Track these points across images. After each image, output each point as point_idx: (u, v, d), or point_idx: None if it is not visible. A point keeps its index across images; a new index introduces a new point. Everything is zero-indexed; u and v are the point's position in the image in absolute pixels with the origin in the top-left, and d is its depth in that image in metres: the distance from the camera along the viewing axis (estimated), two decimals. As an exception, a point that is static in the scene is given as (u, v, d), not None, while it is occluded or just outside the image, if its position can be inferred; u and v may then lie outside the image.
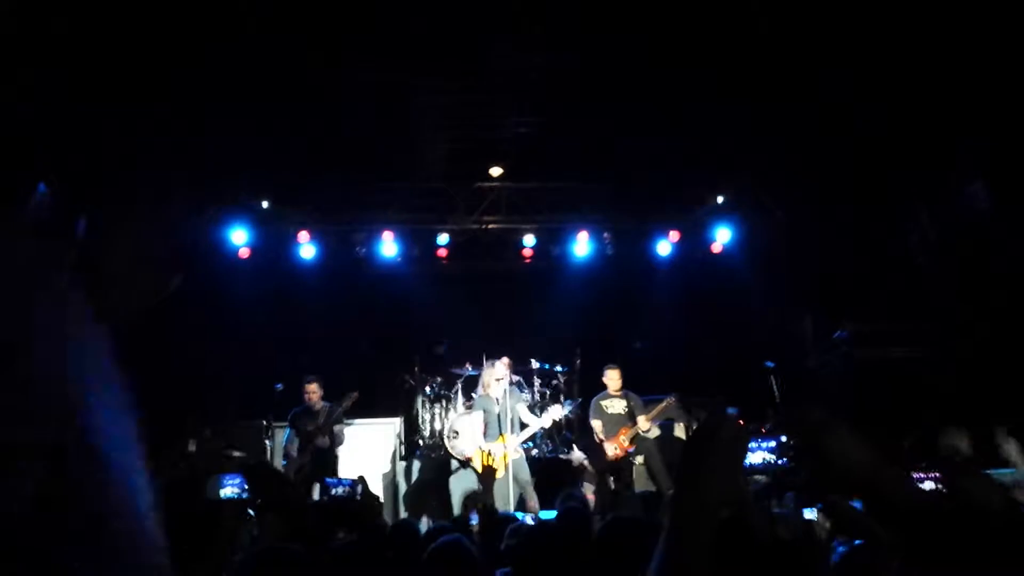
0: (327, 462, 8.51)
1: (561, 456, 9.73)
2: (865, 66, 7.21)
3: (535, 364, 10.54)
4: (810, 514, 4.39)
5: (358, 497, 4.80)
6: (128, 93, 6.95)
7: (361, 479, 5.43)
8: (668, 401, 9.05)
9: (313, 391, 8.75)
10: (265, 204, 10.72)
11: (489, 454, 8.14)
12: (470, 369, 10.35)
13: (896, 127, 7.81)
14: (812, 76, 7.50)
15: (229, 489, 3.93)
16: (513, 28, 7.17)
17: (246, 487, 3.50)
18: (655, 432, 9.26)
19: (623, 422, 8.99)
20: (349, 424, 9.02)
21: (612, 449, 8.87)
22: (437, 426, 10.34)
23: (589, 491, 8.84)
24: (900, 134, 7.88)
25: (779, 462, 1.59)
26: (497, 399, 8.53)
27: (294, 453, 8.61)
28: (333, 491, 4.91)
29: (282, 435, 9.70)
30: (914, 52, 6.87)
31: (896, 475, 1.56)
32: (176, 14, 6.25)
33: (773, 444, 1.59)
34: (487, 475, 8.01)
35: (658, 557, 1.41)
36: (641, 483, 9.17)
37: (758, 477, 5.03)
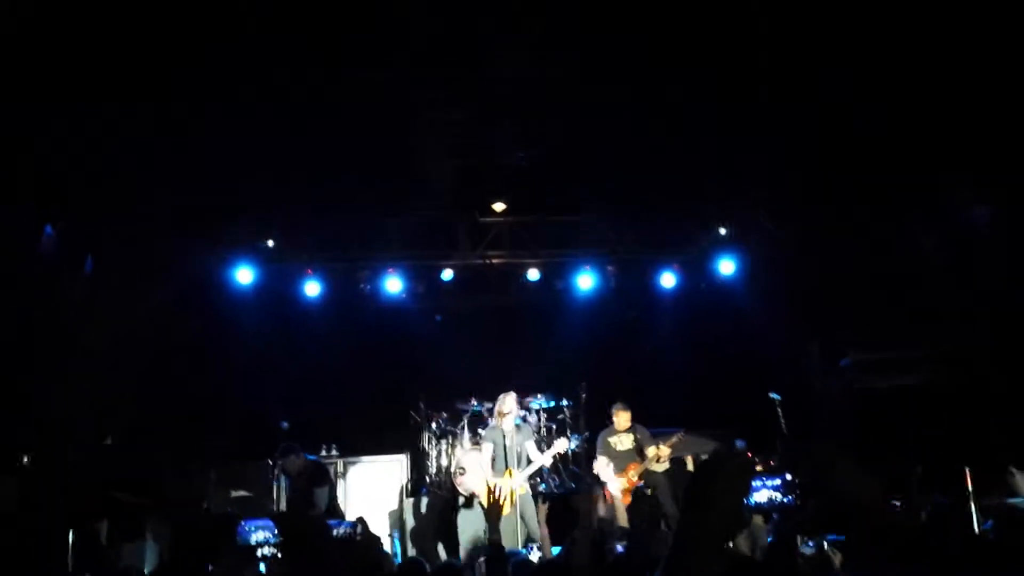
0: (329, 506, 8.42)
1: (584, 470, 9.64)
2: (865, 84, 7.24)
3: (540, 398, 10.52)
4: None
5: (358, 538, 4.76)
6: (130, 132, 7.04)
7: (361, 520, 5.40)
8: (678, 437, 8.97)
9: (291, 463, 8.42)
10: (270, 243, 10.78)
11: (495, 490, 8.09)
12: (475, 404, 10.34)
13: (899, 145, 7.82)
14: (811, 98, 7.54)
15: (261, 534, 3.93)
16: (513, 49, 7.22)
17: (276, 532, 3.51)
18: (664, 465, 9.19)
19: (631, 458, 8.93)
20: (335, 480, 8.92)
21: (621, 484, 8.79)
22: (443, 462, 10.29)
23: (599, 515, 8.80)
24: (904, 153, 7.89)
25: (785, 500, 1.58)
26: (505, 432, 8.53)
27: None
28: (334, 532, 4.88)
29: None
30: (917, 73, 6.89)
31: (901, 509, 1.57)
32: (166, 44, 6.34)
33: (779, 482, 1.57)
34: (493, 512, 7.95)
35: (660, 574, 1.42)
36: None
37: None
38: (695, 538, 1.45)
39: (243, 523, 5.53)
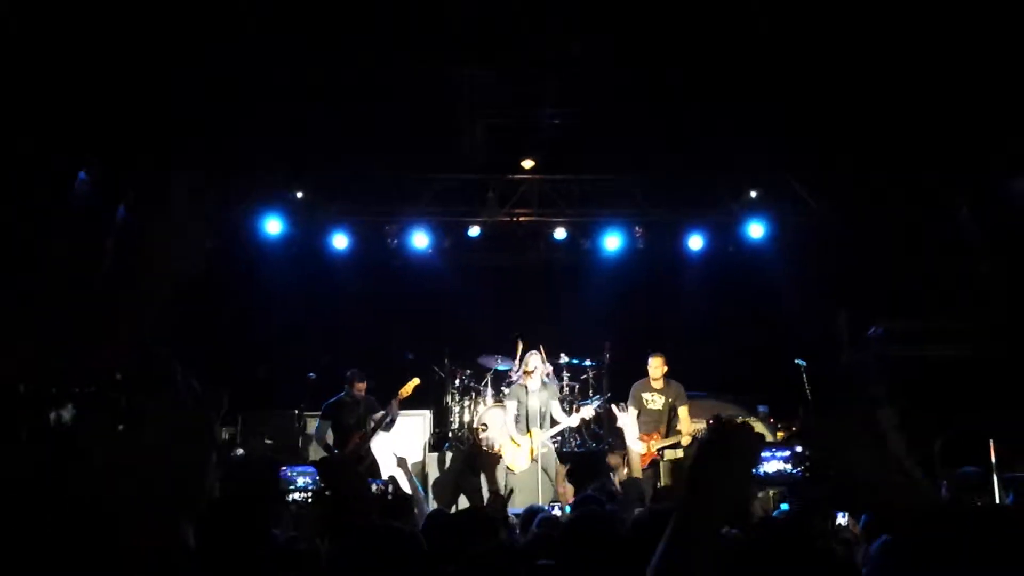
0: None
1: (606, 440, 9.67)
2: (905, 56, 7.08)
3: (564, 358, 10.53)
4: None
5: (389, 496, 4.85)
6: (165, 82, 7.04)
7: (392, 479, 5.50)
8: (707, 422, 8.84)
9: (361, 389, 8.78)
10: (299, 194, 10.79)
11: (517, 446, 8.17)
12: (500, 362, 10.38)
13: (938, 116, 7.65)
14: (848, 67, 7.38)
15: (301, 480, 3.99)
16: (549, 18, 7.13)
17: (318, 479, 3.57)
18: (687, 439, 9.13)
19: (660, 421, 8.80)
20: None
21: (643, 447, 8.76)
22: (466, 418, 10.39)
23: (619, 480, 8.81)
24: (941, 124, 7.72)
25: (795, 472, 1.55)
26: (529, 391, 8.57)
27: (330, 443, 8.64)
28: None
29: (314, 424, 9.78)
30: (955, 42, 6.74)
31: (920, 486, 1.54)
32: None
33: (788, 454, 1.55)
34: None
35: (658, 559, 1.41)
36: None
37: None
38: (696, 520, 1.43)
39: (284, 469, 5.64)
